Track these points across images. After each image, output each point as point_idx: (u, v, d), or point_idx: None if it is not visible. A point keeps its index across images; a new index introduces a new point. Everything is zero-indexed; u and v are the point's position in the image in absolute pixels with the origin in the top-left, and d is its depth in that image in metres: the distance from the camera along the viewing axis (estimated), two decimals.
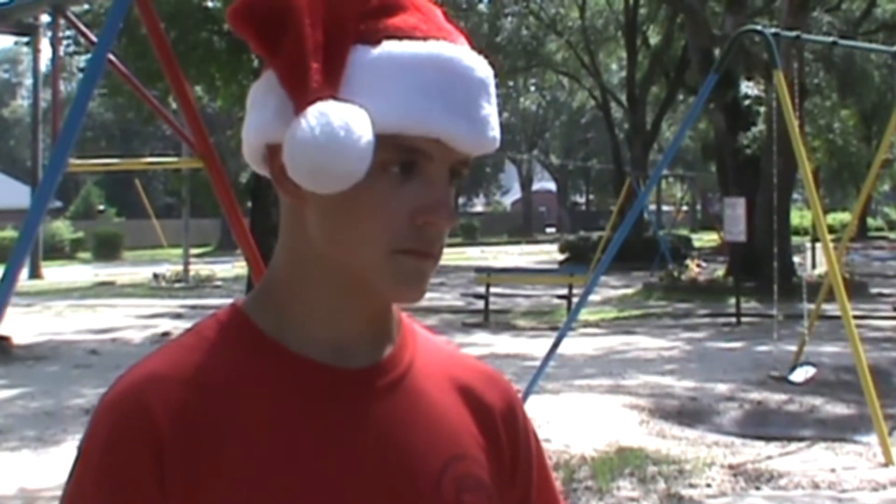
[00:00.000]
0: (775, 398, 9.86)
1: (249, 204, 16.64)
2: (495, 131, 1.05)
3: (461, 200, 71.17)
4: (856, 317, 9.44)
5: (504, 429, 1.16)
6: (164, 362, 1.05)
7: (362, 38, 1.02)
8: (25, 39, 26.34)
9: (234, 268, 28.83)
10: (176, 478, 0.99)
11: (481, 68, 1.04)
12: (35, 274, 28.43)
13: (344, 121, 0.97)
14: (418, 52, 1.01)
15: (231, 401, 1.02)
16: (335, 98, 0.99)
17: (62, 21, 8.63)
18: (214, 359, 1.05)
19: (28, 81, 54.19)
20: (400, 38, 1.02)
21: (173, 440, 0.99)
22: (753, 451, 7.84)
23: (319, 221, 1.04)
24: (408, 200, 1.01)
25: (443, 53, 1.02)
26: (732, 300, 16.92)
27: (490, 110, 1.04)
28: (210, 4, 16.88)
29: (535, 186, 76.05)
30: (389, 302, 1.09)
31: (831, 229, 17.22)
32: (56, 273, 30.68)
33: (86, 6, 14.60)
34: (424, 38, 1.02)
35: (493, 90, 1.05)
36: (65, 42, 15.44)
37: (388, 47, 1.01)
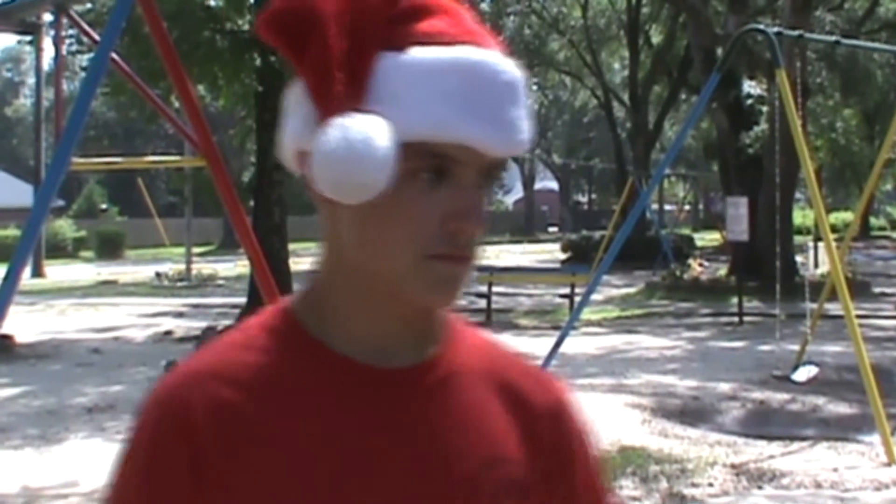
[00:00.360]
0: (778, 397, 9.85)
1: (252, 203, 16.64)
2: (525, 133, 1.04)
3: None
4: (858, 316, 9.43)
5: (548, 432, 1.15)
6: (209, 359, 1.07)
7: (389, 45, 1.01)
8: (28, 38, 26.37)
9: (237, 266, 28.84)
10: (212, 474, 1.02)
11: (510, 71, 1.04)
12: (38, 273, 28.45)
13: (364, 133, 0.97)
14: (444, 58, 1.01)
15: (271, 400, 1.04)
16: (359, 108, 0.99)
17: (65, 20, 8.64)
18: (259, 357, 1.06)
19: (31, 80, 54.29)
20: (426, 43, 1.01)
21: (211, 437, 1.02)
22: (756, 451, 7.84)
23: (351, 227, 1.04)
24: (438, 206, 1.01)
25: (468, 58, 1.01)
26: (735, 299, 16.91)
27: (519, 112, 1.03)
28: (213, 3, 16.88)
29: (538, 185, 75.99)
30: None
31: (834, 229, 17.22)
32: (59, 272, 30.70)
33: (88, 5, 14.61)
34: (451, 43, 1.02)
35: (522, 92, 1.05)
36: (67, 41, 15.43)
37: (414, 54, 1.01)
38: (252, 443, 1.02)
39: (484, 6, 34.30)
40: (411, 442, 1.06)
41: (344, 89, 1.00)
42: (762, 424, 8.99)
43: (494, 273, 18.81)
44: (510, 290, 19.62)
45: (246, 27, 16.32)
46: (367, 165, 0.97)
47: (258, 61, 15.49)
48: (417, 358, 1.09)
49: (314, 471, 1.03)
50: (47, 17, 17.57)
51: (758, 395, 10.02)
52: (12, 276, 5.46)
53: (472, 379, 1.12)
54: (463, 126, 0.99)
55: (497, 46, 1.06)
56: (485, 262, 26.46)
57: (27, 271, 14.89)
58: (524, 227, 65.70)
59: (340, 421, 1.04)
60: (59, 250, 40.16)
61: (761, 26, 10.39)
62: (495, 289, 17.63)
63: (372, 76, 1.01)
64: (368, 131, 0.97)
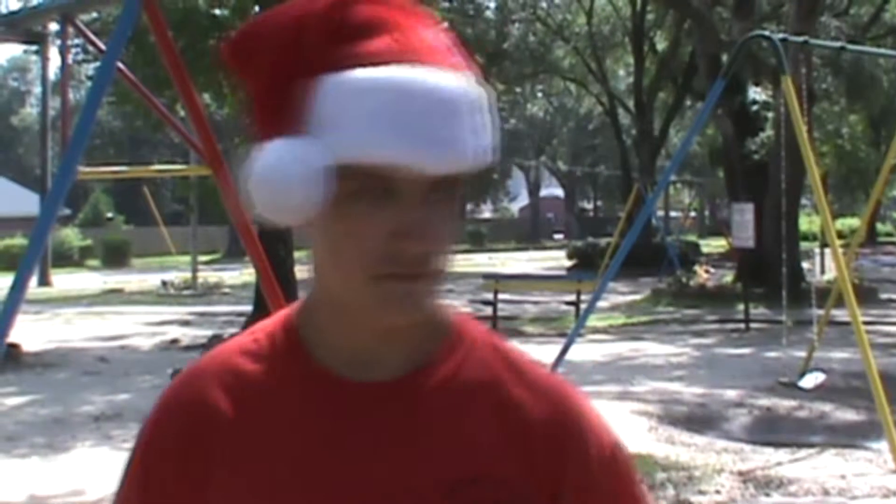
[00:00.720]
0: (785, 404, 9.83)
1: None
2: (464, 150, 1.01)
3: (469, 207, 71.07)
4: (865, 322, 9.40)
5: (545, 448, 1.09)
6: (209, 361, 1.15)
7: (327, 68, 1.02)
8: (34, 48, 26.42)
9: (243, 275, 28.85)
10: (193, 470, 1.08)
11: (447, 87, 1.01)
12: (44, 281, 28.49)
13: (282, 159, 1.00)
14: (374, 78, 1.00)
15: (250, 405, 1.09)
16: (295, 132, 1.01)
17: (71, 29, 8.65)
18: (252, 363, 1.12)
19: (37, 89, 54.34)
20: (364, 64, 1.01)
21: (193, 435, 1.09)
22: (763, 458, 7.82)
23: (314, 247, 1.07)
24: (383, 225, 1.00)
25: (398, 77, 1.00)
26: (741, 306, 16.87)
27: (456, 129, 1.00)
28: (218, 12, 16.92)
29: (543, 192, 75.99)
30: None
31: (840, 235, 17.20)
32: (65, 280, 30.75)
33: (94, 14, 14.65)
34: (387, 63, 1.01)
35: (465, 107, 1.02)
36: (73, 50, 15.48)
37: (348, 76, 1.01)
38: (225, 445, 1.08)
39: (489, 13, 34.35)
40: (375, 458, 1.06)
41: (278, 114, 1.03)
42: (769, 431, 8.96)
43: (500, 280, 18.80)
44: (516, 298, 19.60)
45: None
46: (286, 190, 0.99)
47: None
48: (400, 371, 1.09)
49: (273, 480, 1.06)
50: (53, 26, 17.59)
51: (765, 401, 9.99)
52: (19, 284, 5.46)
53: (460, 392, 1.10)
54: (390, 146, 0.98)
55: (447, 61, 1.04)
56: (490, 270, 26.48)
57: (33, 280, 14.92)
58: (530, 234, 65.71)
59: (308, 432, 1.07)
60: (66, 259, 40.22)
61: (767, 32, 10.38)
62: (501, 296, 17.61)
63: (311, 99, 1.01)
64: (289, 156, 1.00)
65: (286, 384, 1.09)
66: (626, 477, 1.15)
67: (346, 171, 0.99)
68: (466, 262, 36.50)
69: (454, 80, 1.02)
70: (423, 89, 1.00)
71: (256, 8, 16.40)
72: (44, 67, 30.57)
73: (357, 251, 1.01)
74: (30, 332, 15.43)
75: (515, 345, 1.19)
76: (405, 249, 1.00)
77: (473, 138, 1.02)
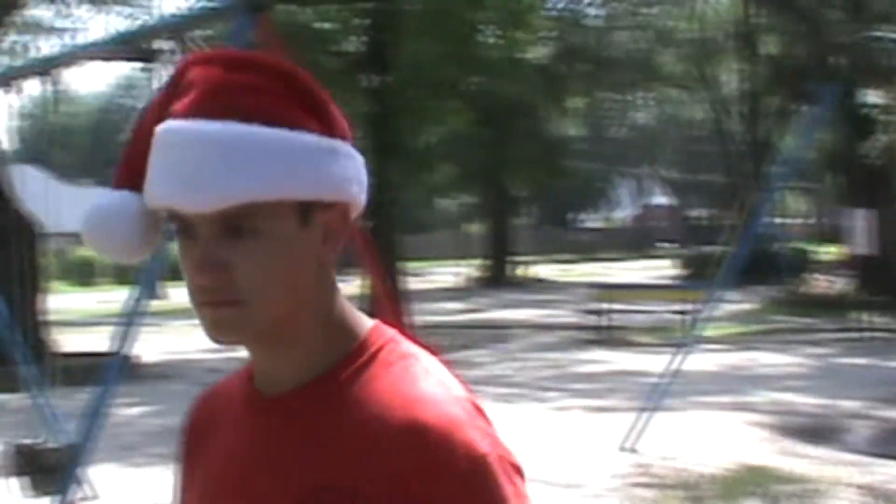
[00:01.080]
0: None
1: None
2: (209, 190, 1.09)
3: (570, 216, 70.79)
4: None
5: (398, 461, 1.09)
6: (221, 379, 1.36)
7: (158, 125, 1.16)
8: (145, 65, 27.18)
9: (347, 287, 29.17)
10: (188, 461, 1.31)
11: (208, 134, 1.10)
12: (158, 295, 29.24)
13: (94, 207, 1.21)
14: (159, 132, 1.14)
15: (215, 417, 1.28)
16: (136, 184, 1.18)
17: (182, 47, 8.87)
18: (231, 382, 1.30)
19: None
20: (169, 118, 1.14)
21: (186, 439, 1.33)
22: (886, 471, 7.57)
23: None
24: (189, 259, 1.14)
25: (168, 130, 1.13)
26: (858, 314, 16.41)
27: (210, 172, 1.09)
28: (322, 26, 17.16)
29: (650, 201, 75.16)
30: (291, 337, 1.17)
31: None
32: (179, 293, 31.53)
33: (208, 31, 14.98)
34: (174, 117, 1.13)
35: (233, 151, 1.10)
36: None
37: (156, 131, 1.15)
38: (194, 452, 1.29)
39: (593, 21, 34.21)
40: (251, 466, 1.18)
41: (120, 170, 1.22)
42: (891, 443, 8.67)
43: (608, 290, 18.63)
44: (625, 307, 19.39)
45: (351, 49, 16.54)
46: (101, 234, 1.21)
47: (369, 82, 15.65)
48: (290, 387, 1.18)
49: (199, 485, 1.25)
50: (164, 44, 18.06)
51: (886, 412, 9.69)
52: (139, 297, 5.61)
53: (336, 405, 1.15)
54: (155, 191, 1.13)
55: (236, 109, 1.11)
56: (597, 279, 26.32)
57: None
58: (637, 243, 65.06)
59: (228, 442, 1.23)
60: (178, 272, 41.25)
61: (882, 33, 10.08)
62: (610, 306, 17.46)
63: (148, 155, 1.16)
64: (102, 205, 1.21)
65: (234, 400, 1.25)
66: (485, 493, 1.10)
67: (169, 215, 1.14)
68: (572, 272, 36.34)
69: (214, 126, 1.10)
70: (181, 139, 1.11)
71: (358, 21, 16.59)
72: (154, 85, 31.44)
73: (186, 282, 1.15)
74: (146, 345, 15.84)
75: (424, 357, 1.18)
76: (201, 280, 1.13)
77: (237, 179, 1.09)
